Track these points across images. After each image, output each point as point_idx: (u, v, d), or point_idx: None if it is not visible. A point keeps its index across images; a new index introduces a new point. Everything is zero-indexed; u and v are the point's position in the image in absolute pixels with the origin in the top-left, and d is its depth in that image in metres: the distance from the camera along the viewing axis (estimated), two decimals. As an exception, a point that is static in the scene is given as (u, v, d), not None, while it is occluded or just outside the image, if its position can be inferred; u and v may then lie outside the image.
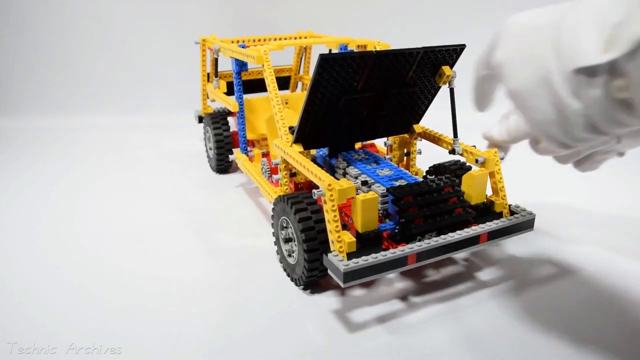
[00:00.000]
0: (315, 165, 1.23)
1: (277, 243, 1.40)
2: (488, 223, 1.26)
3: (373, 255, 1.10)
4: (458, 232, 1.21)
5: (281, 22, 2.94)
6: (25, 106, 2.98)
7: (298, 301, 1.29)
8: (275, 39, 2.19)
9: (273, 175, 1.46)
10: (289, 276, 1.36)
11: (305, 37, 2.27)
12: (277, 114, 1.40)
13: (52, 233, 1.65)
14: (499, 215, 1.35)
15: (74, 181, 2.08)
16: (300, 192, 1.29)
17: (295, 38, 2.26)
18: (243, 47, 1.66)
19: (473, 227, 1.24)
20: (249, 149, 1.90)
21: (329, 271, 1.13)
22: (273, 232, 1.41)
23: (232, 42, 2.09)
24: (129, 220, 1.73)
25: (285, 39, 2.23)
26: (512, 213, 1.35)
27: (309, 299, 1.30)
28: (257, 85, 2.31)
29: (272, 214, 1.39)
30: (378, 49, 1.66)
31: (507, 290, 1.32)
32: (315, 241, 1.18)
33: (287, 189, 1.44)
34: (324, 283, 1.36)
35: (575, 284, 1.35)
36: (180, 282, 1.40)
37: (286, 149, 1.34)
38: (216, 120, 2.05)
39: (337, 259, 1.09)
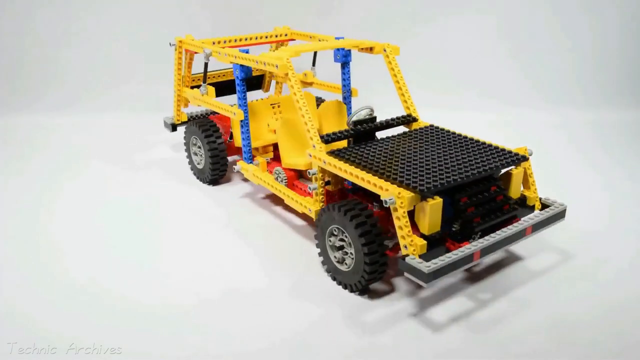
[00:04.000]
0: (370, 174, 1.25)
1: (323, 253, 1.39)
2: (530, 216, 1.33)
3: (447, 254, 1.15)
4: (509, 226, 1.27)
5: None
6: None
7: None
8: (256, 37, 2.08)
9: (309, 185, 1.44)
10: (339, 284, 1.35)
11: (286, 35, 2.17)
12: (307, 123, 1.40)
13: (52, 232, 1.64)
14: (532, 208, 1.41)
15: (73, 180, 2.05)
16: (349, 200, 1.30)
17: (277, 36, 2.15)
18: (246, 52, 1.63)
19: (519, 221, 1.30)
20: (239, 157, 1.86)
21: (405, 273, 1.16)
22: (317, 243, 1.39)
23: (214, 43, 1.98)
24: (130, 221, 1.73)
25: (267, 37, 2.11)
26: (542, 205, 1.42)
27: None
28: (230, 87, 2.19)
29: (315, 223, 1.38)
30: (387, 51, 1.65)
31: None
32: (374, 244, 1.22)
33: (322, 197, 1.42)
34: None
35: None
36: (184, 282, 1.39)
37: (328, 159, 1.34)
38: (207, 128, 1.88)
39: (417, 262, 1.13)
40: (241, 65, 1.64)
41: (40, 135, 2.52)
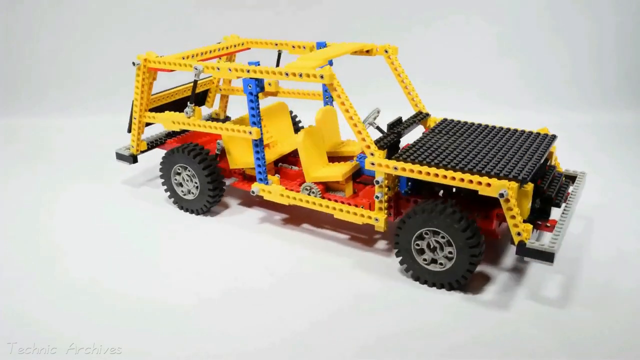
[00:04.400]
0: (459, 172, 1.26)
1: (408, 258, 1.37)
2: (572, 187, 1.51)
3: (554, 234, 1.27)
4: (569, 200, 1.43)
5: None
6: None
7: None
8: (218, 50, 1.85)
9: (376, 194, 1.40)
10: (424, 282, 1.36)
11: (242, 44, 1.93)
12: (362, 132, 1.37)
13: (52, 232, 1.65)
14: None
15: (73, 180, 2.05)
16: (435, 200, 1.31)
17: (233, 46, 1.91)
18: (256, 65, 1.49)
19: (570, 194, 1.47)
20: (230, 180, 1.75)
21: (525, 258, 1.23)
22: (397, 251, 1.37)
23: (183, 58, 1.72)
24: (130, 221, 1.72)
25: (222, 49, 1.87)
26: (566, 176, 1.56)
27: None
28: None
29: (396, 231, 1.35)
30: (389, 52, 1.66)
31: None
32: (477, 236, 1.27)
33: (386, 205, 1.41)
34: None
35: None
36: (184, 282, 1.39)
37: (401, 165, 1.33)
38: (198, 152, 1.65)
39: (539, 245, 1.21)
40: (256, 80, 1.50)
41: (40, 137, 2.53)
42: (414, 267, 1.36)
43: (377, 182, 1.36)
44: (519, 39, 2.75)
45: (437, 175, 1.27)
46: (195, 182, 1.69)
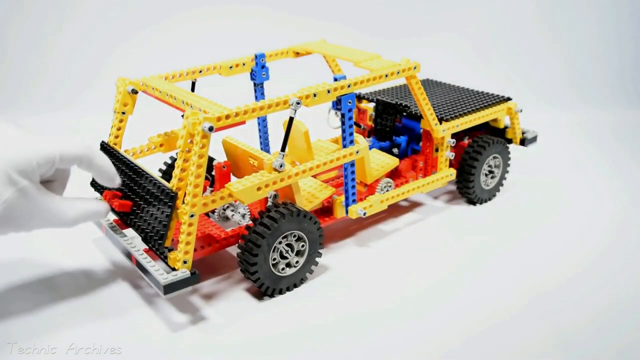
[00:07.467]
0: (482, 110, 1.77)
1: (475, 179, 1.74)
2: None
3: None
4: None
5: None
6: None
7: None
8: (204, 70, 1.65)
9: (448, 153, 1.67)
10: (483, 202, 1.82)
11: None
12: (431, 110, 1.58)
13: (51, 232, 1.63)
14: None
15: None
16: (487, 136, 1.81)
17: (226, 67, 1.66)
18: (344, 78, 1.37)
19: None
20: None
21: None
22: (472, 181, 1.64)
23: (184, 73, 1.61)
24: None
25: (205, 70, 1.64)
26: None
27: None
28: None
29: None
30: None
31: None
32: None
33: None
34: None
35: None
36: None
37: (458, 122, 1.68)
38: (306, 211, 1.34)
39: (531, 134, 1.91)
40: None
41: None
42: (477, 185, 1.75)
43: (450, 142, 1.66)
44: (517, 39, 2.76)
45: (477, 119, 1.73)
46: (302, 246, 1.34)
